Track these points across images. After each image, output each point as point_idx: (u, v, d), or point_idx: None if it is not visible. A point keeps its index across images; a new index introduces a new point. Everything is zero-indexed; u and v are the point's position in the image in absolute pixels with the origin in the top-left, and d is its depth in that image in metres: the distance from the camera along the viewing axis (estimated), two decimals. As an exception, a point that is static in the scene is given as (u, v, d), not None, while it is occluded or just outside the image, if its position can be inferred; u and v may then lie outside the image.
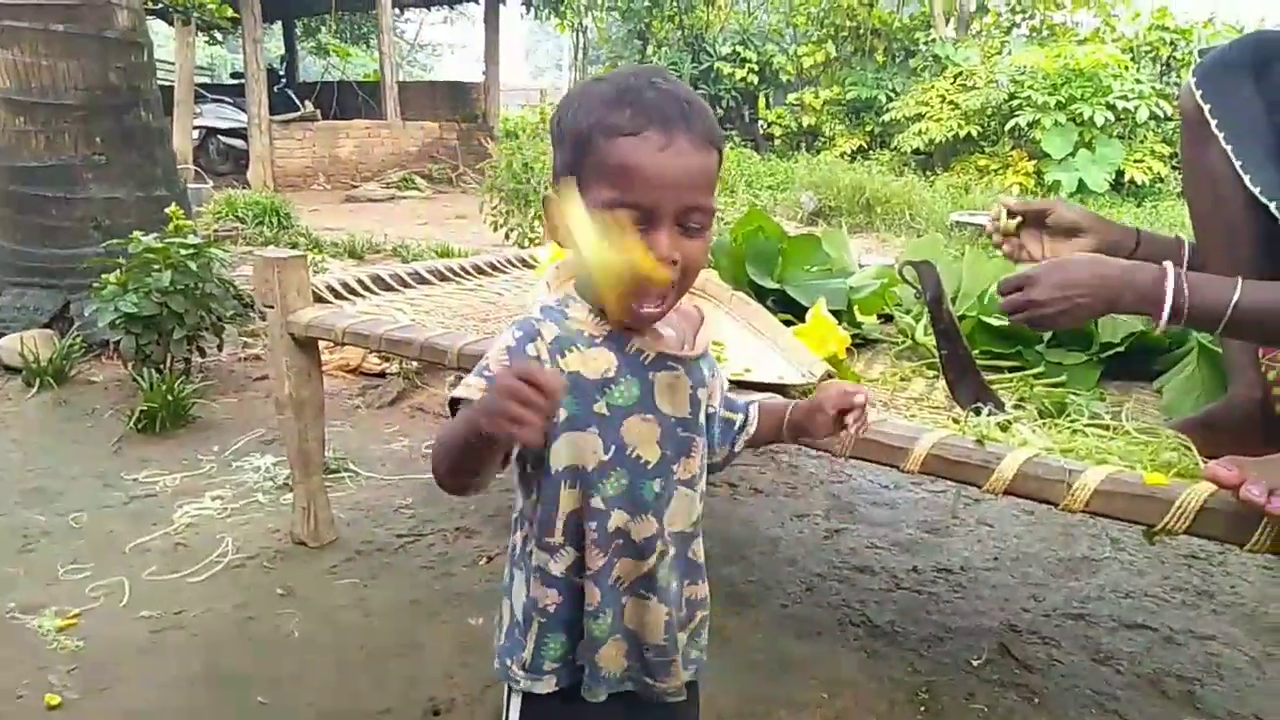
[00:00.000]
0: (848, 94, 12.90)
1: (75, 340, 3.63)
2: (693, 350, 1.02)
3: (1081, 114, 10.05)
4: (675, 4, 14.18)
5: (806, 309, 1.99)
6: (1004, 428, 1.49)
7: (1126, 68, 10.53)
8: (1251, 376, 1.48)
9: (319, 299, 2.23)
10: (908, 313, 2.20)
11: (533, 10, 14.79)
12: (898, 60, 13.42)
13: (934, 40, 12.84)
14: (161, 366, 3.28)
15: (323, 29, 17.04)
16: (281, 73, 14.81)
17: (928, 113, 11.38)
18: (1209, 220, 1.53)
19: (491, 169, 5.23)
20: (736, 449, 1.14)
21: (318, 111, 12.40)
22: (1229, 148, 1.43)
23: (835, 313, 1.93)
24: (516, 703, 1.05)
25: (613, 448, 0.96)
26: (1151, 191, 9.82)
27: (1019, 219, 1.66)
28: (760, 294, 2.05)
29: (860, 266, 2.49)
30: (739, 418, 1.14)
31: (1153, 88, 10.37)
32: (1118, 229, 1.73)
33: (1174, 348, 1.86)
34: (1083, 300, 1.31)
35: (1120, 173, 9.93)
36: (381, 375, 3.70)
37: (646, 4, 14.31)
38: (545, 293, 1.92)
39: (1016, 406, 1.64)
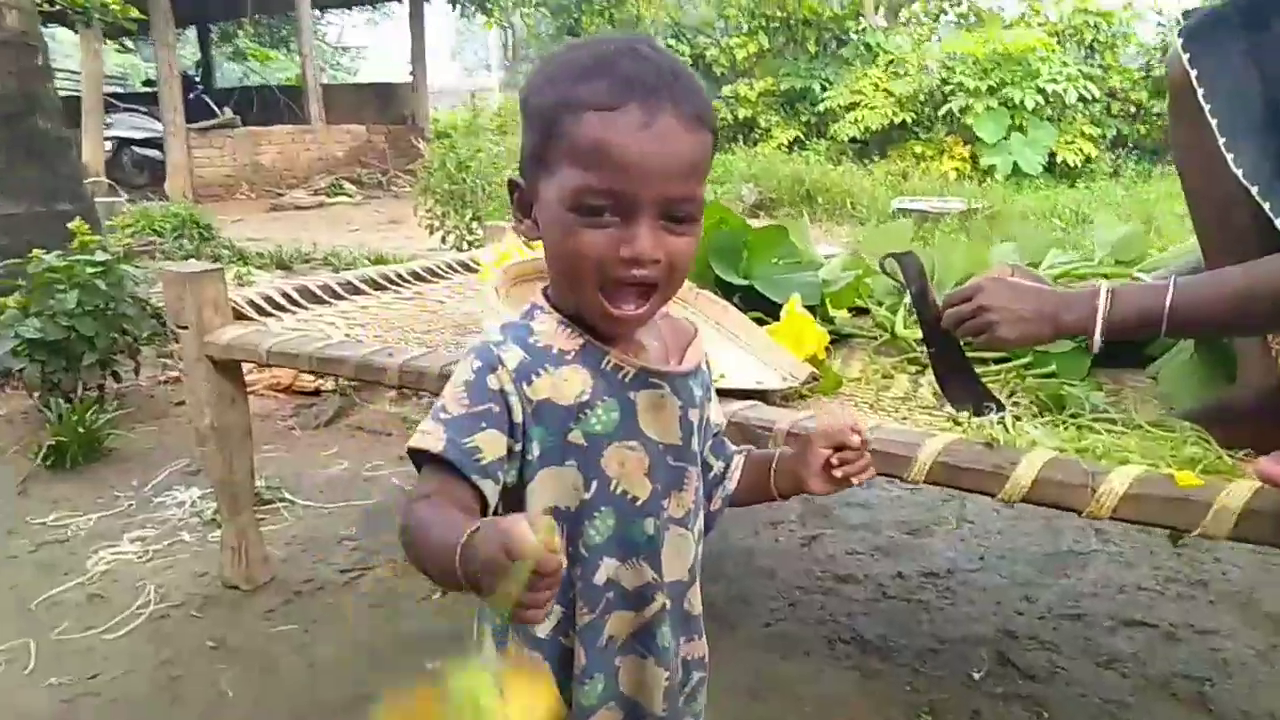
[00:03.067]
0: (782, 85, 12.89)
1: (-27, 370, 3.32)
2: (679, 365, 0.87)
3: (1012, 98, 10.18)
4: (605, -1, 14.03)
5: (777, 305, 1.85)
6: (1007, 428, 1.36)
7: (1053, 51, 10.69)
8: (1264, 361, 1.38)
9: (240, 316, 2.02)
10: (880, 304, 2.07)
11: (459, 7, 14.48)
12: (829, 50, 13.45)
13: (864, 29, 12.90)
14: (72, 395, 3.00)
15: (240, 33, 16.45)
16: (197, 79, 14.25)
17: (862, 101, 11.43)
18: (1201, 197, 1.43)
19: (425, 170, 5.00)
20: (713, 506, 0.97)
21: (237, 118, 11.93)
22: (1214, 122, 1.32)
23: (809, 308, 1.79)
24: None
25: (594, 483, 0.81)
26: (1083, 172, 9.99)
27: None
28: (727, 291, 1.90)
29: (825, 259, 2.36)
30: (719, 466, 0.97)
31: (1079, 70, 10.56)
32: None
33: (1166, 331, 1.76)
34: (1028, 318, 1.27)
35: (1053, 155, 10.07)
36: (316, 393, 3.46)
37: (575, -1, 14.12)
38: (494, 299, 1.75)
39: (1011, 403, 1.52)
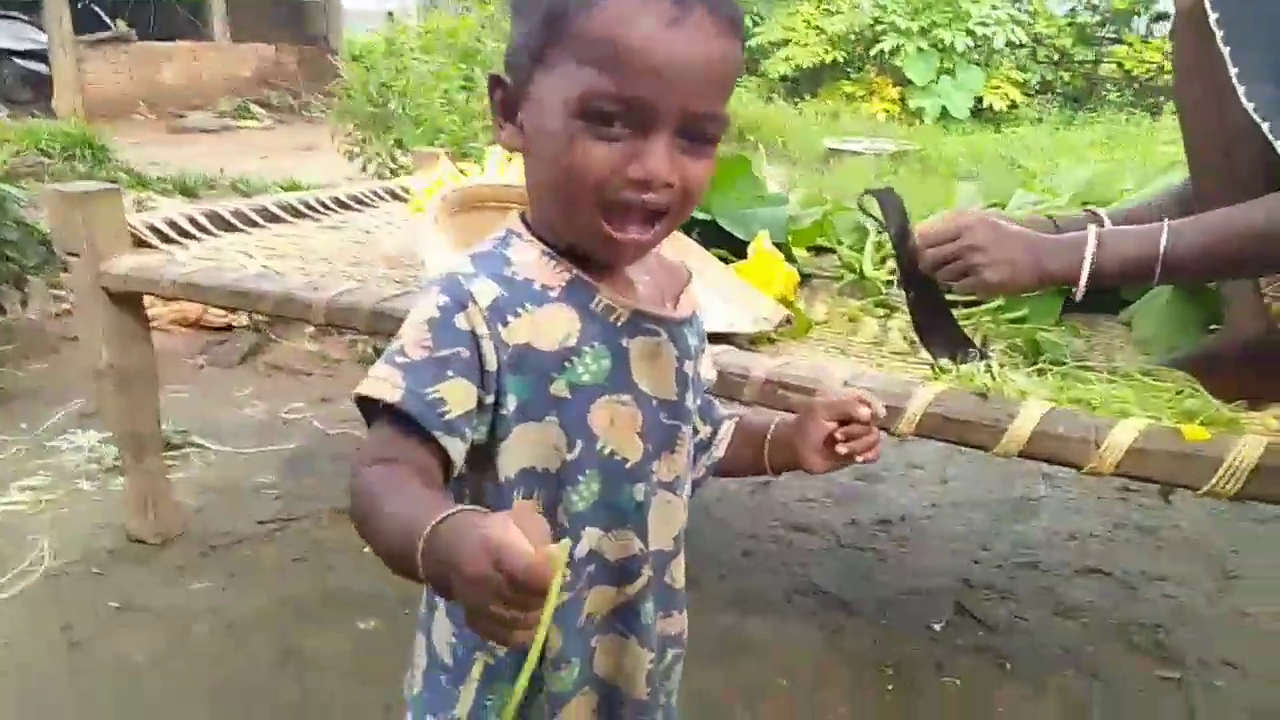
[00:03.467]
0: None
1: None
2: (675, 310, 0.75)
3: (942, 40, 10.16)
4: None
5: (739, 242, 1.73)
6: (994, 376, 1.28)
7: (983, -7, 10.68)
8: (1254, 307, 1.33)
9: (141, 243, 1.80)
10: (840, 243, 1.98)
11: (375, -78, 13.64)
12: (761, -16, 13.18)
13: (797, -37, 12.65)
14: (-53, 329, 2.71)
15: (133, -62, 15.18)
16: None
17: (794, 38, 11.26)
18: (1202, 134, 1.35)
19: (343, 92, 4.67)
20: (696, 474, 0.85)
21: (133, 31, 11.04)
22: (1226, 50, 1.23)
23: (775, 246, 1.68)
24: None
25: (579, 443, 0.69)
26: (1009, 117, 10.09)
27: None
28: (686, 226, 1.77)
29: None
30: (705, 430, 0.86)
31: (1008, 14, 10.58)
32: (1031, 220, 1.59)
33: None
34: (1016, 261, 1.19)
35: (979, 99, 10.13)
36: (228, 329, 3.22)
37: (500, -82, 13.44)
38: (432, 230, 1.57)
39: (987, 349, 1.44)
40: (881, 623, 1.69)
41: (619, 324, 0.70)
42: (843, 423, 0.79)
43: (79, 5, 10.79)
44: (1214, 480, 1.03)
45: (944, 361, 1.37)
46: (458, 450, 0.65)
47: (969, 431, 1.14)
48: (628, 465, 0.72)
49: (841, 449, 0.79)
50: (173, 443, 2.30)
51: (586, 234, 0.67)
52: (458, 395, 0.64)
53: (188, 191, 5.63)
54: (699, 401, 0.84)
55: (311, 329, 3.11)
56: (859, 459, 0.80)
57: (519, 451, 0.69)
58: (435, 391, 0.64)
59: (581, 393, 0.69)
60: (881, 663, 1.57)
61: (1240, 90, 1.22)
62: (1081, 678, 1.55)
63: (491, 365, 0.66)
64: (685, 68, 0.62)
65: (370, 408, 0.65)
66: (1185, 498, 2.18)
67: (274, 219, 2.11)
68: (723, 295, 1.51)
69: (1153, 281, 1.21)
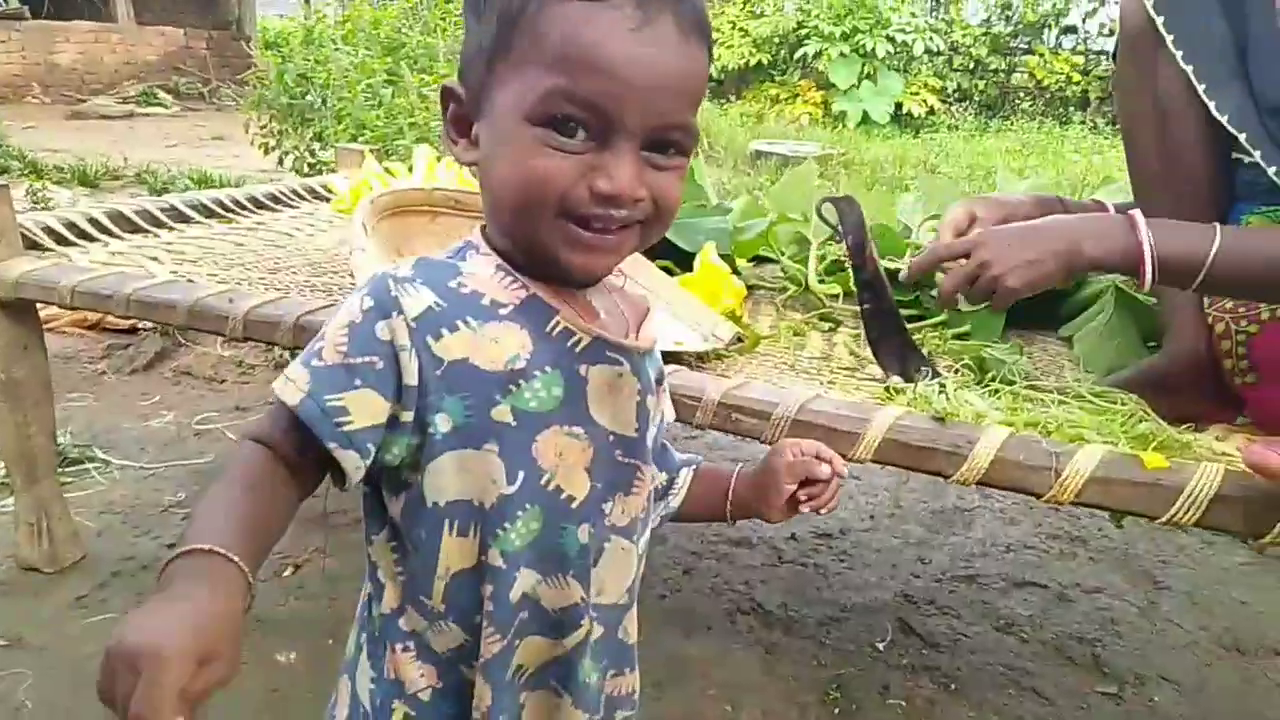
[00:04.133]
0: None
1: None
2: (637, 341, 0.70)
3: (864, 45, 10.32)
4: (453, -92, 13.13)
5: (683, 253, 1.68)
6: (948, 396, 1.26)
7: (903, 1, 10.90)
8: (1195, 328, 1.34)
9: (33, 245, 1.65)
10: (782, 253, 1.94)
11: (290, -96, 13.17)
12: (687, -16, 13.20)
13: (722, -36, 12.70)
14: None
15: (27, -91, 14.32)
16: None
17: (719, 39, 11.28)
18: (1150, 152, 1.35)
19: (258, 81, 4.45)
20: (653, 522, 0.80)
21: (25, 9, 10.41)
22: (1189, 68, 1.24)
23: (721, 258, 1.63)
24: None
25: (520, 475, 0.64)
26: (927, 124, 10.31)
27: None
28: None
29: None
30: (662, 478, 0.82)
31: (926, 22, 10.82)
32: (1041, 199, 1.53)
33: (1078, 291, 1.72)
34: (1040, 257, 1.10)
35: (899, 105, 10.33)
36: (132, 331, 3.02)
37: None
38: (363, 237, 1.48)
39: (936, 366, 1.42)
40: (824, 642, 1.67)
41: (578, 349, 0.65)
42: (804, 482, 0.78)
43: (-34, -21, 10.12)
44: (1174, 510, 1.02)
45: (895, 377, 1.35)
46: (353, 463, 0.61)
47: (927, 459, 1.11)
48: (573, 504, 0.66)
49: (804, 508, 0.79)
50: (70, 457, 2.14)
51: (552, 240, 0.62)
52: (364, 406, 0.60)
53: (87, 181, 5.32)
54: (660, 441, 0.79)
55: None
56: (821, 512, 0.80)
57: (450, 480, 0.63)
58: (339, 399, 0.60)
59: (528, 420, 0.63)
60: (826, 684, 1.55)
61: (1211, 105, 1.22)
62: (1023, 695, 1.55)
63: (411, 380, 0.61)
64: (650, 75, 0.59)
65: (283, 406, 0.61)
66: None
67: (184, 219, 1.98)
68: (670, 310, 1.46)
69: (1191, 285, 1.11)
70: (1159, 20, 1.26)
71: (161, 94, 10.47)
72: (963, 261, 1.16)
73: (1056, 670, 1.63)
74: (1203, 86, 1.20)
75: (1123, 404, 1.25)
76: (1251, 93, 1.19)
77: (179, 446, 2.29)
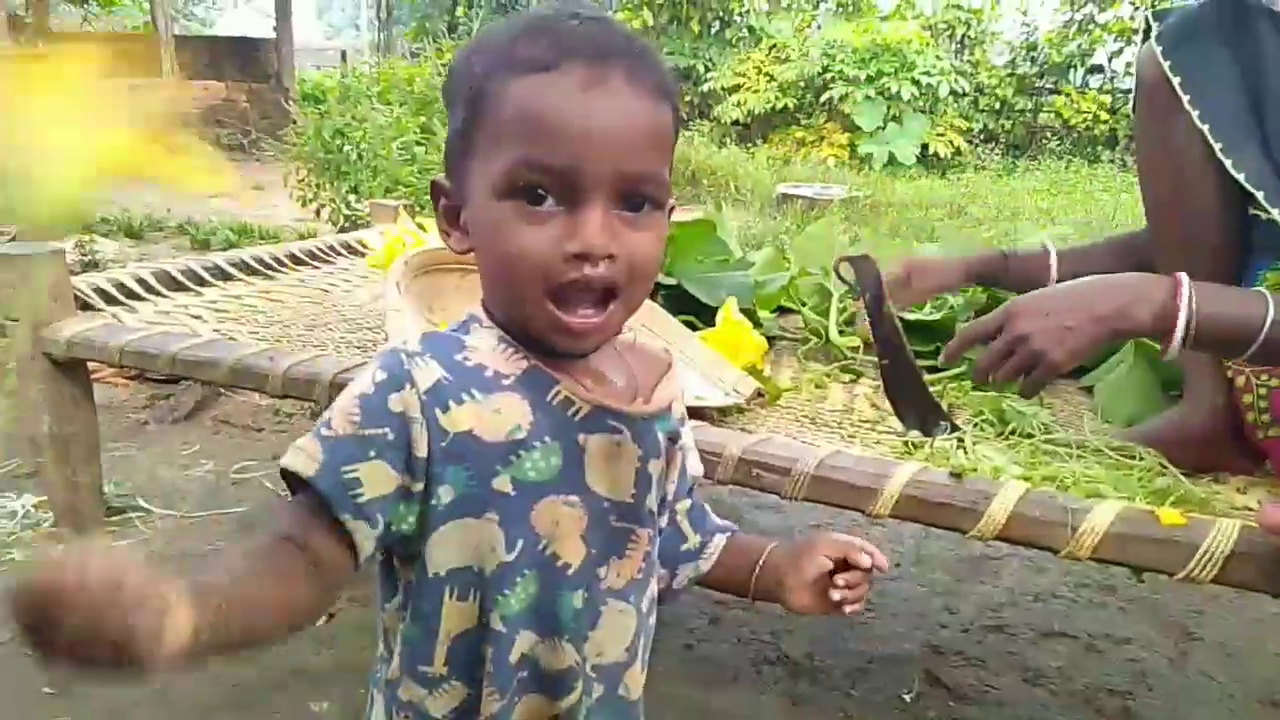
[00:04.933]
0: (666, 63, 12.78)
1: None
2: (646, 404, 0.71)
3: (889, 88, 10.43)
4: (485, -38, 13.53)
5: (706, 308, 1.73)
6: (966, 451, 1.28)
7: (927, 44, 11.01)
8: (1216, 380, 1.35)
9: (85, 305, 1.73)
10: (804, 304, 1.98)
11: (328, -38, 13.64)
12: (713, 31, 13.43)
13: (748, 11, 12.93)
14: None
15: (79, -29, 14.97)
16: (28, 19, 12.85)
17: (745, 84, 11.47)
18: (1168, 207, 1.37)
19: (296, 136, 4.60)
20: (677, 584, 0.82)
21: (77, 66, 10.84)
22: (1205, 126, 1.26)
23: (742, 312, 1.67)
24: None
25: (519, 543, 0.66)
26: (953, 164, 10.36)
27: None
28: (651, 291, 1.76)
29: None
30: (694, 540, 0.82)
31: (951, 64, 10.92)
32: (982, 259, 1.62)
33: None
34: (1078, 323, 1.07)
35: (925, 146, 10.39)
36: (174, 381, 3.10)
37: (455, -39, 13.56)
38: (396, 295, 1.53)
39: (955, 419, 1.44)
40: (851, 693, 1.67)
41: (577, 418, 0.67)
42: (839, 566, 0.75)
43: (20, 39, 10.56)
44: (1190, 567, 1.03)
45: (914, 432, 1.37)
46: (365, 535, 0.62)
47: (944, 514, 1.13)
48: (569, 570, 0.68)
49: (835, 594, 0.74)
50: (114, 506, 2.20)
51: (539, 323, 0.64)
52: (375, 478, 0.62)
53: (132, 233, 5.49)
54: (687, 508, 0.81)
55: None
56: (846, 609, 0.74)
57: (451, 548, 0.65)
58: (353, 470, 0.61)
59: (527, 490, 0.65)
60: (853, 737, 1.55)
61: (1228, 162, 1.24)
62: (1053, 749, 1.54)
63: (421, 452, 0.63)
64: (605, 130, 0.60)
65: (291, 478, 0.63)
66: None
67: (226, 276, 2.06)
68: (692, 366, 1.50)
69: (1241, 355, 1.07)
70: (1175, 80, 1.29)
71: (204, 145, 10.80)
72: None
73: (1087, 723, 1.61)
74: (1219, 145, 1.22)
75: (1141, 458, 1.27)
76: (1269, 151, 1.22)
77: (217, 495, 2.35)
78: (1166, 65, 1.28)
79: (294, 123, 4.91)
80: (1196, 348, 1.09)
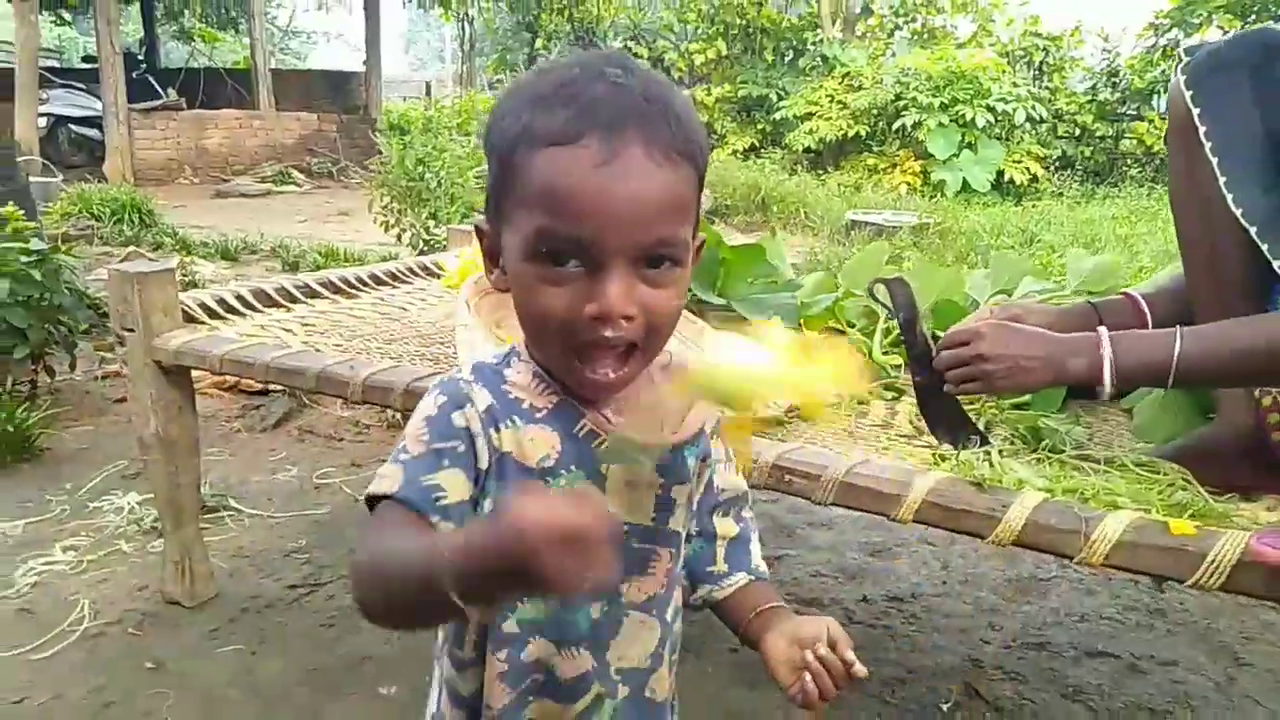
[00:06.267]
0: (739, 92, 12.95)
1: (-108, 361, 3.12)
2: (674, 434, 0.78)
3: (963, 115, 10.36)
4: (564, -4, 13.94)
5: (754, 326, 1.82)
6: (992, 463, 1.34)
7: (1004, 71, 10.91)
8: (1243, 400, 1.39)
9: (189, 318, 1.91)
10: (852, 325, 2.05)
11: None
12: (786, 59, 13.55)
13: (821, 40, 13.02)
14: (1, 391, 2.84)
15: (186, 11, 15.93)
16: (140, 57, 13.73)
17: (818, 111, 11.52)
18: (1195, 241, 1.42)
19: (380, 164, 4.87)
20: (694, 599, 0.88)
21: (182, 100, 11.54)
22: (1215, 160, 1.32)
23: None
24: None
25: None
26: (1029, 191, 10.21)
27: None
28: (702, 310, 1.87)
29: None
30: (722, 568, 0.88)
31: (1028, 91, 10.80)
32: (1077, 313, 1.59)
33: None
34: (1031, 365, 1.23)
35: (1000, 173, 10.27)
36: (264, 393, 3.33)
37: (535, -5, 14.01)
38: (466, 313, 1.67)
39: (991, 435, 1.50)
40: (889, 701, 1.72)
41: (601, 449, 0.73)
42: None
43: (133, 75, 11.31)
44: (1198, 575, 1.08)
45: (946, 446, 1.44)
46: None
47: (965, 520, 1.20)
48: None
49: (806, 676, 0.76)
50: (208, 505, 2.39)
51: (563, 373, 0.72)
52: (454, 484, 0.69)
53: (228, 256, 5.84)
54: (701, 517, 0.87)
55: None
56: (803, 696, 0.76)
57: None
58: (432, 479, 0.69)
59: None
60: (889, 742, 1.61)
61: (1229, 197, 1.29)
62: (1087, 762, 1.57)
63: (484, 463, 0.71)
64: (621, 205, 0.64)
65: (375, 503, 0.70)
66: (1195, 582, 2.20)
67: (314, 295, 2.23)
68: (736, 380, 1.59)
69: (1166, 386, 1.24)
70: (1195, 112, 1.35)
71: (295, 173, 11.38)
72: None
73: (1124, 740, 1.64)
74: (1224, 179, 1.27)
75: (1164, 474, 1.31)
76: (1275, 193, 1.26)
77: (301, 498, 2.53)
78: (1189, 96, 1.34)
79: (379, 152, 5.18)
80: (1134, 386, 1.19)
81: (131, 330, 1.80)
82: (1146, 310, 1.49)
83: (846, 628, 1.93)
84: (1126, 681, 1.81)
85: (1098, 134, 10.66)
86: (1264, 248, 1.25)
